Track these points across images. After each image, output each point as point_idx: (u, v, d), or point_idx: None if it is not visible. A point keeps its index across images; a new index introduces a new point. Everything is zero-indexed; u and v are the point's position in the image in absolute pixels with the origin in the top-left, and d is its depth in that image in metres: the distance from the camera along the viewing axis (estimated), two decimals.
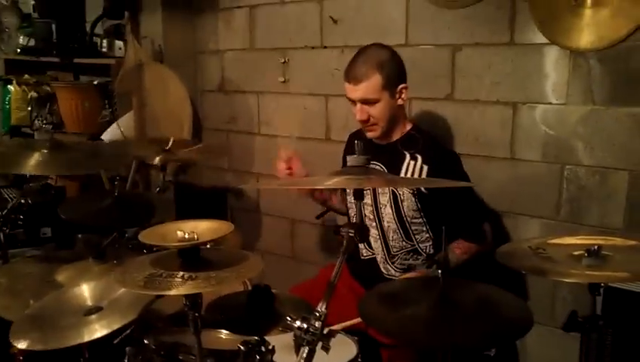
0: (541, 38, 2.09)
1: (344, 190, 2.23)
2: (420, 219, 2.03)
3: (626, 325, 1.72)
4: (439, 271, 1.34)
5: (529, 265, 1.37)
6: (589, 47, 2.00)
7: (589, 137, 2.05)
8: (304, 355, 1.23)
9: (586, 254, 1.31)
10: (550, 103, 2.11)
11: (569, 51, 2.05)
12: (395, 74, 1.99)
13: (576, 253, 1.35)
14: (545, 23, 2.07)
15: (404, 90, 2.01)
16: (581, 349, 1.37)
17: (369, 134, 2.06)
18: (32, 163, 1.88)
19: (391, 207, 2.04)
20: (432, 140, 2.10)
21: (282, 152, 2.24)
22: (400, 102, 2.02)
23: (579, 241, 1.42)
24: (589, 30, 1.99)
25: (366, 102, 1.98)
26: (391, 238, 2.07)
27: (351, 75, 2.00)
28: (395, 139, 2.08)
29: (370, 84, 1.96)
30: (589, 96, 2.03)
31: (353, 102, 2.02)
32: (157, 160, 2.33)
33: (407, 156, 2.03)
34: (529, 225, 2.20)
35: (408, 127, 2.10)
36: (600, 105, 2.01)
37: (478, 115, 2.28)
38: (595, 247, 1.31)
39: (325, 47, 2.72)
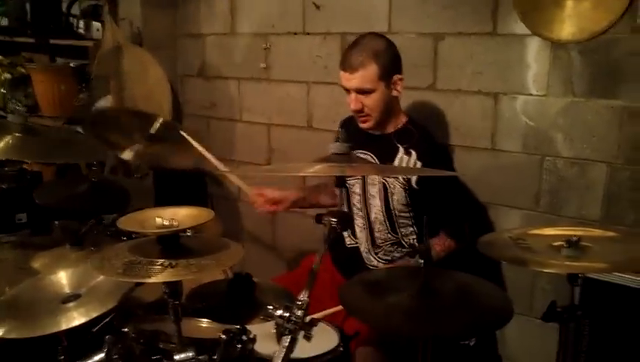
0: (523, 29, 2.09)
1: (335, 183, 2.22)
2: (408, 214, 2.03)
3: (604, 315, 1.76)
4: (421, 261, 1.35)
5: (509, 255, 1.39)
6: (570, 39, 2.01)
7: (568, 129, 2.07)
8: (286, 344, 1.22)
9: (565, 245, 1.33)
10: (531, 94, 2.13)
11: (550, 42, 2.06)
12: (391, 64, 1.97)
13: (555, 243, 1.37)
14: (527, 14, 2.07)
15: (399, 81, 1.99)
16: (560, 339, 1.39)
17: (362, 125, 2.04)
18: (2, 146, 1.83)
19: (380, 199, 2.03)
20: (427, 135, 2.07)
21: (251, 195, 2.22)
22: (395, 93, 1.99)
23: (558, 232, 1.44)
24: (571, 22, 2.00)
25: (361, 91, 1.96)
26: (376, 229, 2.07)
27: (347, 64, 1.97)
28: (389, 131, 2.06)
29: (367, 74, 1.93)
30: (569, 87, 2.05)
31: (348, 91, 2.00)
32: (128, 154, 2.25)
33: (401, 150, 2.01)
34: (509, 216, 2.22)
35: (404, 119, 2.07)
36: (580, 97, 2.03)
37: (460, 105, 2.29)
38: (575, 238, 1.33)
39: (308, 33, 2.69)
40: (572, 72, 2.03)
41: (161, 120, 2.17)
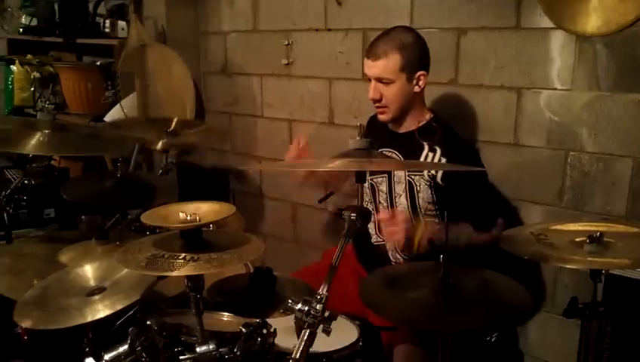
0: (547, 23, 2.06)
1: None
2: (434, 212, 2.00)
3: (627, 312, 1.73)
4: (441, 256, 1.35)
5: (531, 251, 1.38)
6: (595, 32, 1.98)
7: (593, 123, 2.03)
8: (305, 337, 1.23)
9: (587, 241, 1.32)
10: (555, 89, 2.10)
11: (575, 36, 2.03)
12: (415, 58, 1.95)
13: (578, 239, 1.36)
14: (551, 7, 2.04)
15: (422, 77, 1.97)
16: (581, 335, 1.38)
17: (380, 117, 2.03)
18: (34, 143, 1.88)
19: (406, 197, 2.01)
20: (451, 132, 2.05)
21: (298, 139, 2.16)
22: (417, 89, 1.98)
23: (581, 228, 1.43)
24: (596, 15, 1.96)
25: (381, 80, 1.96)
26: None
27: (371, 52, 1.97)
28: (412, 129, 2.04)
29: (388, 63, 1.93)
30: (594, 81, 2.01)
31: (370, 79, 2.00)
32: (159, 145, 2.33)
33: (426, 147, 1.99)
34: (532, 212, 2.20)
35: (427, 116, 2.05)
36: (605, 91, 2.00)
37: (482, 99, 2.27)
38: (597, 234, 1.31)
39: (329, 29, 2.69)
40: (598, 66, 2.00)
41: (176, 119, 2.23)
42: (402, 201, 2.03)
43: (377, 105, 2.01)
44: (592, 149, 2.04)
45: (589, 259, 1.29)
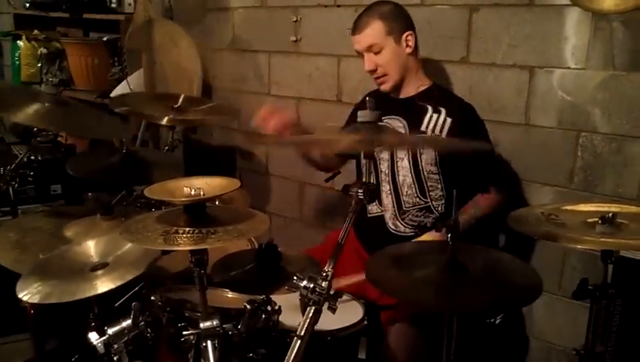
0: (562, 0, 2.01)
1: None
2: (437, 176, 2.01)
3: (635, 295, 1.70)
4: (449, 235, 1.32)
5: (541, 231, 1.35)
6: (612, 10, 1.91)
7: (607, 104, 1.99)
8: (310, 315, 1.22)
9: (599, 221, 1.29)
10: (569, 68, 2.05)
11: (591, 13, 1.97)
12: (397, 21, 2.00)
13: (589, 220, 1.33)
14: None
15: (410, 37, 2.01)
16: (590, 317, 1.36)
17: (381, 87, 2.06)
18: (32, 114, 1.86)
19: (409, 160, 2.03)
20: (451, 93, 2.10)
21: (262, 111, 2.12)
22: (408, 50, 2.01)
23: (593, 208, 1.40)
24: None
25: (371, 50, 2.00)
26: (405, 193, 2.05)
27: (355, 28, 2.05)
28: (412, 94, 2.07)
29: (373, 31, 1.99)
30: (609, 60, 1.97)
31: (361, 55, 2.05)
32: (165, 120, 2.30)
33: (430, 109, 2.02)
34: (541, 193, 2.17)
35: (426, 82, 2.08)
36: (621, 70, 1.95)
37: (494, 78, 2.23)
38: (610, 215, 1.28)
39: (339, 5, 2.65)
40: (613, 44, 1.95)
41: (182, 96, 2.23)
42: (404, 165, 2.04)
43: (375, 76, 2.05)
44: (605, 130, 2.00)
45: (602, 239, 1.26)
